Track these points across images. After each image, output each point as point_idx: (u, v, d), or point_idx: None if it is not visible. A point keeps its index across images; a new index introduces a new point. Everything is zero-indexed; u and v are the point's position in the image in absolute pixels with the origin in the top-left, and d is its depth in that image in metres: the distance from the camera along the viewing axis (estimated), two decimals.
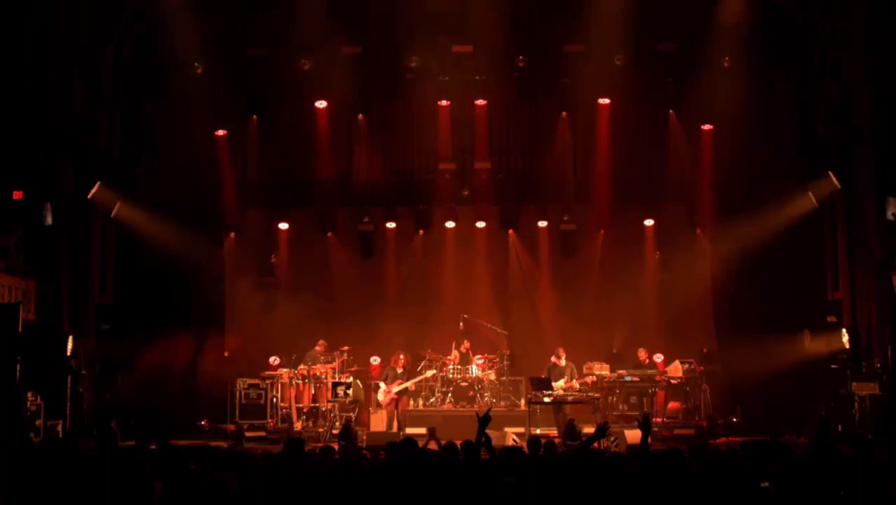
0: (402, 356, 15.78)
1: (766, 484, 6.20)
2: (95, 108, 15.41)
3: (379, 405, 15.63)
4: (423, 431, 13.09)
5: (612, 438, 11.97)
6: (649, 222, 17.83)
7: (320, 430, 15.03)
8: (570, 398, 14.61)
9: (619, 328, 17.29)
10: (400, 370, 15.60)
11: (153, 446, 8.03)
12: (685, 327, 17.08)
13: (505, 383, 16.47)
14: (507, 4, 15.69)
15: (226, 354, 17.21)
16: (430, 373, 16.15)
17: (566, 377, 15.27)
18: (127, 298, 15.97)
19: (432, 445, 9.01)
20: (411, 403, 15.93)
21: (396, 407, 15.29)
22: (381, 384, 15.49)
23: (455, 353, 16.65)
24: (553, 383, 15.02)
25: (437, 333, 17.14)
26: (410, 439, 7.33)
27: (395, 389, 15.33)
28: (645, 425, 7.24)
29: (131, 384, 15.26)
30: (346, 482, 6.11)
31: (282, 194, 17.80)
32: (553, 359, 15.43)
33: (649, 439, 7.22)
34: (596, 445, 8.10)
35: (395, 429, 14.79)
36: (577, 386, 15.25)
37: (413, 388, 15.90)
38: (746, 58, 15.91)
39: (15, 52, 14.08)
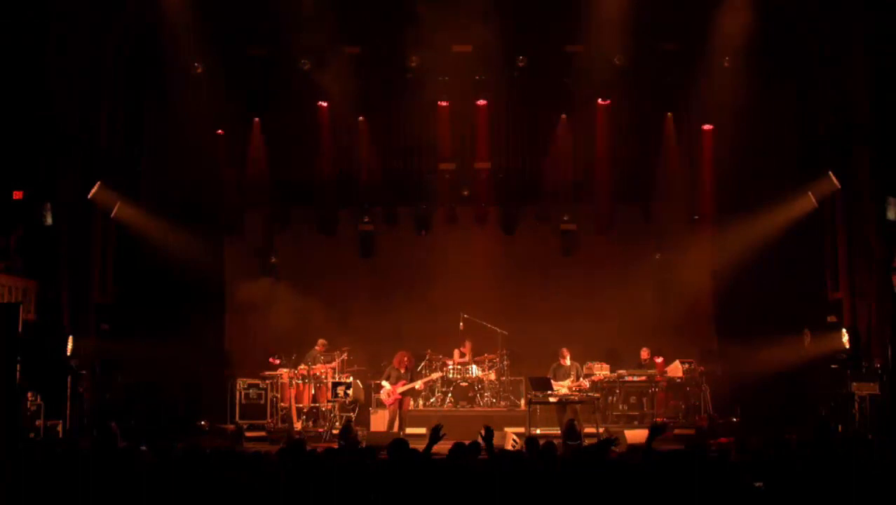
0: (406, 357, 15.73)
1: (760, 484, 6.20)
2: (95, 108, 15.40)
3: (381, 404, 15.63)
4: (423, 431, 13.11)
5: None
6: (649, 222, 17.83)
7: (320, 430, 15.04)
8: (574, 398, 14.61)
9: (618, 328, 17.27)
10: (403, 371, 15.57)
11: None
12: (685, 327, 17.06)
13: (505, 383, 16.47)
14: (507, 4, 15.70)
15: (226, 354, 17.22)
16: (435, 375, 16.20)
17: (572, 377, 15.28)
18: (127, 298, 15.95)
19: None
20: (411, 403, 15.92)
21: (400, 407, 15.27)
22: (385, 384, 15.45)
23: (456, 352, 16.67)
24: (559, 383, 15.01)
25: (437, 333, 17.12)
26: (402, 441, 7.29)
27: (401, 389, 15.28)
28: (655, 431, 7.22)
29: (131, 384, 15.26)
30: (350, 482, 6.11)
31: (282, 194, 17.79)
32: (559, 359, 15.40)
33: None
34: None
35: (395, 428, 14.79)
36: (588, 385, 15.26)
37: (422, 387, 15.95)
38: (746, 58, 15.90)
39: (15, 51, 14.07)
